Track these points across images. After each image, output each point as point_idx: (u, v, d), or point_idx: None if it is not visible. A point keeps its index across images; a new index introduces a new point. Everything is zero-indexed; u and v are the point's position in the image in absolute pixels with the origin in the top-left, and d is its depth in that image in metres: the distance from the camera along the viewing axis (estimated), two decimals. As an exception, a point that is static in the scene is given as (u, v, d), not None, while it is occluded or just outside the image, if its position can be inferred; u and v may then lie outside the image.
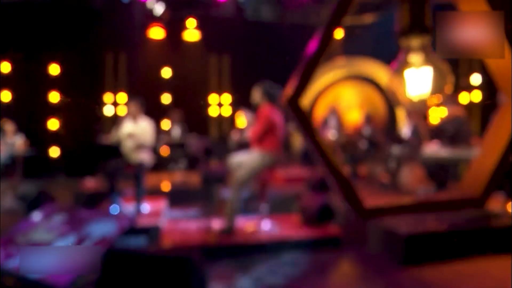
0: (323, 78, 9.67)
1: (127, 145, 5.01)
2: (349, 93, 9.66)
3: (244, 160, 4.12)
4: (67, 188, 6.43)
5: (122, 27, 8.21)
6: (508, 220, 3.88)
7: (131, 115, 5.07)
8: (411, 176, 5.99)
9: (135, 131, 5.04)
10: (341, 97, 9.77)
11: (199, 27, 8.70)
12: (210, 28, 8.65)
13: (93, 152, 4.76)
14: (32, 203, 5.12)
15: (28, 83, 7.97)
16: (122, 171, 5.12)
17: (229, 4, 9.00)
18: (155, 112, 7.93)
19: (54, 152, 8.14)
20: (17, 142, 7.03)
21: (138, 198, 4.95)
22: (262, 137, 4.08)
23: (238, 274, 3.31)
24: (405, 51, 1.10)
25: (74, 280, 2.73)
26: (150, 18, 8.36)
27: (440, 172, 4.92)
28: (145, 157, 5.07)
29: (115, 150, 4.72)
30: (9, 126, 7.04)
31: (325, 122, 8.09)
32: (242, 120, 4.17)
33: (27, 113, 7.97)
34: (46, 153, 7.96)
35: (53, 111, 8.21)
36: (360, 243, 4.11)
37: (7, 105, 7.96)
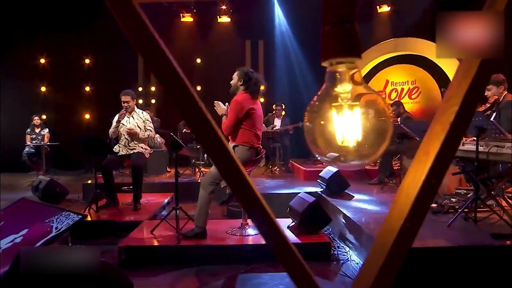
0: (371, 62, 8.65)
1: (124, 138, 4.83)
2: (399, 77, 8.52)
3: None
4: (83, 180, 6.48)
5: (154, 16, 8.10)
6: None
7: (126, 108, 4.85)
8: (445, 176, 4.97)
9: (130, 123, 4.84)
10: (389, 81, 8.68)
11: (231, 11, 8.28)
12: (242, 12, 8.19)
13: (89, 145, 4.59)
14: (44, 192, 5.19)
15: (62, 77, 8.22)
16: (116, 165, 4.95)
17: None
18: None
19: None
20: (43, 134, 7.28)
21: (135, 191, 4.74)
22: (236, 129, 3.53)
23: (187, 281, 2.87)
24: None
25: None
26: (180, 5, 8.11)
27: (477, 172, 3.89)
28: (141, 149, 4.84)
29: (103, 144, 4.50)
30: (37, 119, 7.30)
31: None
32: (219, 110, 3.65)
33: (55, 107, 8.25)
34: (73, 145, 8.15)
35: (82, 104, 8.41)
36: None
37: (42, 98, 8.32)
